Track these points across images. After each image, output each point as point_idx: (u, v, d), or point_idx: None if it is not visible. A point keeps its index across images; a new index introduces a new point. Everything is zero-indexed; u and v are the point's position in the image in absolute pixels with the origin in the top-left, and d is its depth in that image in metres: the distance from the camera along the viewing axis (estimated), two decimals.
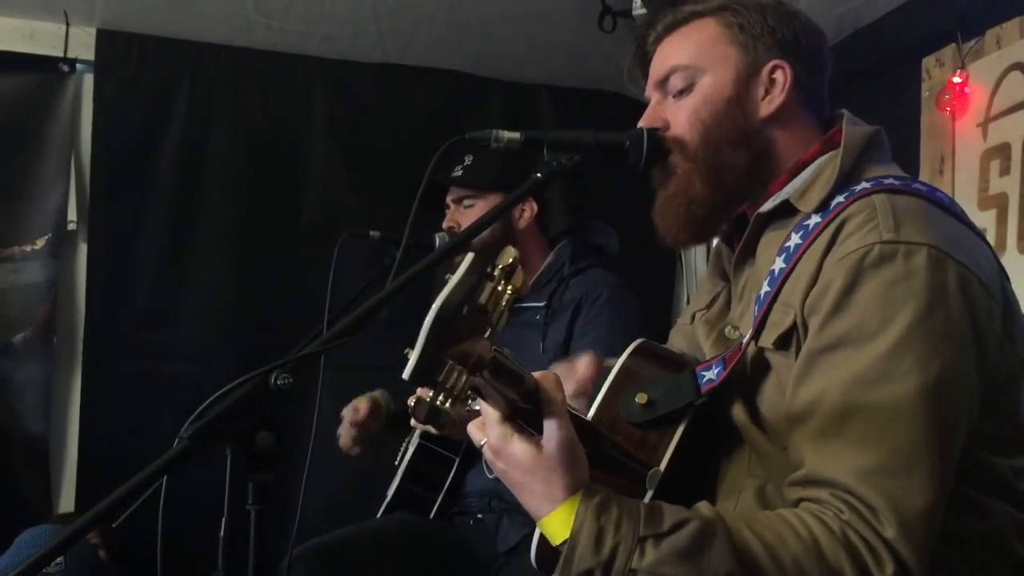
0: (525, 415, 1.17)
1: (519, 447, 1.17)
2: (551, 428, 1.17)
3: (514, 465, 1.18)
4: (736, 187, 1.42)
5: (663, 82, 1.47)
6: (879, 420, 1.15)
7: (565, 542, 1.15)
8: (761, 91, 1.42)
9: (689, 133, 1.43)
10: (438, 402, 0.98)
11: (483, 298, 1.00)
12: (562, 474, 1.17)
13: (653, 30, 1.52)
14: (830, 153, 1.37)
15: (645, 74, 1.52)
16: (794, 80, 1.41)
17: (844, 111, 1.44)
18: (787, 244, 1.31)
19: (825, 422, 1.18)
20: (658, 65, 1.49)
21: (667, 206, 1.45)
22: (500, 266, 1.01)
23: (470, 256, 1.01)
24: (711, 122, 1.41)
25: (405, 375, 0.97)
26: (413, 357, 0.96)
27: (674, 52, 1.47)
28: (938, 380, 1.16)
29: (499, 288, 1.01)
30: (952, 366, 1.17)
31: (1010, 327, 1.27)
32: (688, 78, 1.44)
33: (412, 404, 2.23)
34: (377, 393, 2.70)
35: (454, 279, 0.99)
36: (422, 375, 0.97)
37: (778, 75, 1.42)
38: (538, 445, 1.17)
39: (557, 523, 1.17)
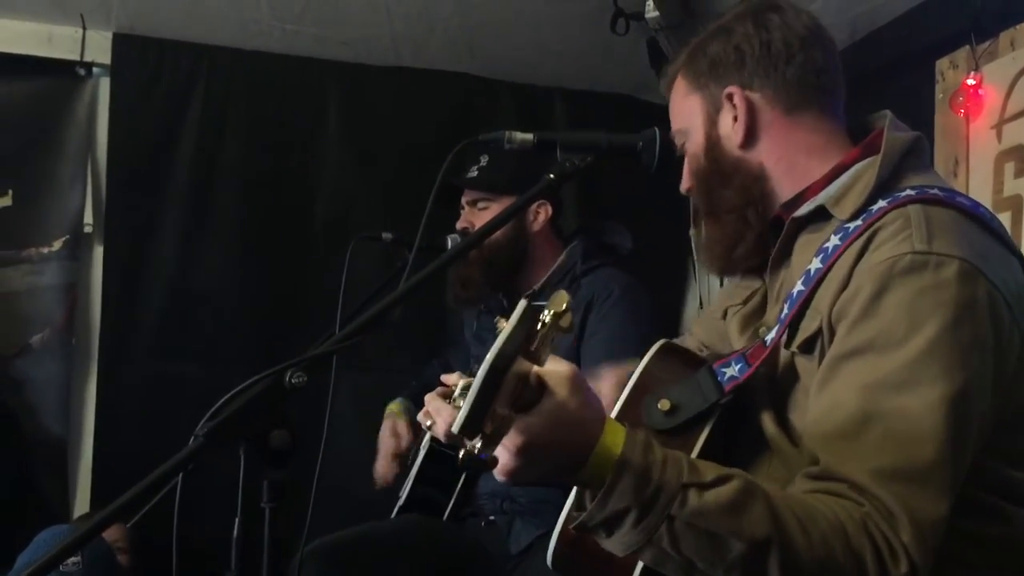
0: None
1: (545, 406, 1.07)
2: (556, 366, 1.09)
3: (546, 427, 1.07)
4: (738, 221, 1.46)
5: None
6: (900, 426, 1.15)
7: (606, 478, 1.09)
8: (730, 122, 1.46)
9: (692, 187, 1.53)
10: (476, 449, 0.96)
11: (534, 345, 0.99)
12: (592, 398, 1.11)
13: (663, 88, 1.61)
14: (869, 159, 1.37)
15: None
16: (751, 96, 1.44)
17: (888, 113, 1.43)
18: (826, 245, 1.31)
19: (845, 424, 1.18)
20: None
21: (698, 252, 1.60)
22: (553, 311, 0.99)
23: (523, 305, 0.98)
24: (701, 172, 1.50)
25: (454, 428, 0.95)
26: (464, 409, 0.94)
27: (671, 117, 1.57)
28: (960, 392, 1.16)
29: (549, 333, 1.00)
30: (974, 380, 1.17)
31: None
32: (681, 139, 1.53)
33: (421, 418, 2.23)
34: (398, 405, 2.70)
35: (507, 329, 0.96)
36: (472, 427, 0.95)
37: (735, 100, 1.45)
38: (552, 393, 1.08)
39: (603, 454, 1.10)
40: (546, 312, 0.99)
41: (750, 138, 1.45)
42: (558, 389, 1.08)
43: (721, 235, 1.48)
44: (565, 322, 1.00)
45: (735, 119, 1.45)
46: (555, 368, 1.09)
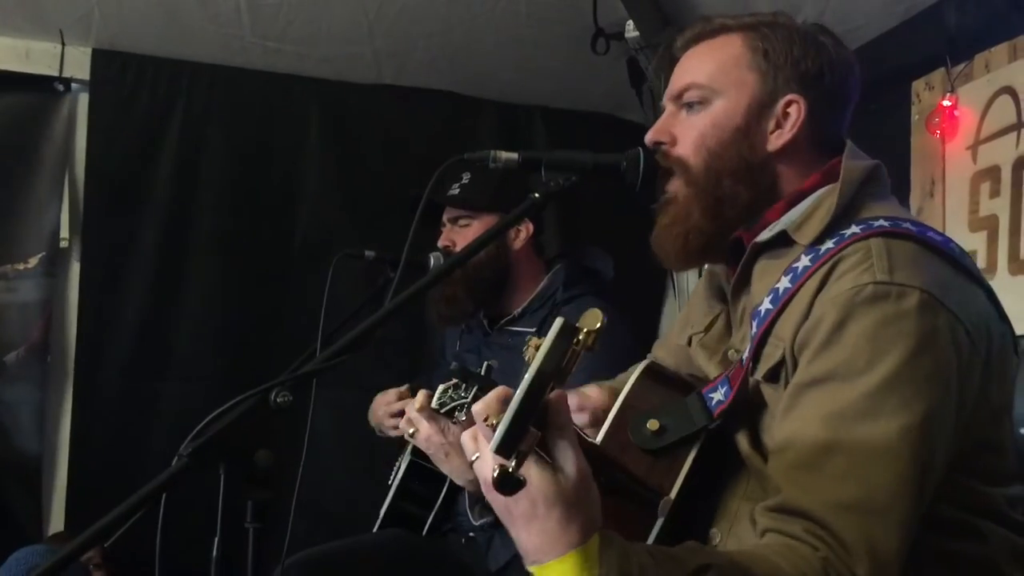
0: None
1: (536, 474, 1.01)
2: (568, 456, 1.04)
3: (527, 495, 1.02)
4: (736, 219, 1.42)
5: (679, 95, 1.46)
6: (860, 457, 1.16)
7: None
8: (772, 124, 1.41)
9: (694, 157, 1.42)
10: (510, 468, 0.95)
11: (567, 363, 0.99)
12: (581, 511, 1.03)
13: (682, 36, 1.50)
14: (829, 186, 1.37)
15: (668, 76, 1.51)
16: (808, 116, 1.40)
17: (847, 140, 1.43)
18: (795, 265, 1.31)
19: (805, 454, 1.19)
20: (678, 77, 1.47)
21: (665, 235, 1.45)
22: (586, 329, 0.99)
23: (560, 323, 0.98)
24: (717, 149, 1.41)
25: (492, 448, 0.94)
26: (502, 429, 0.93)
27: (694, 66, 1.45)
28: (921, 423, 1.17)
29: (580, 350, 0.99)
30: (934, 410, 1.18)
31: (989, 379, 1.27)
32: (702, 96, 1.43)
33: (403, 425, 2.21)
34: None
35: (545, 348, 0.96)
36: (510, 446, 0.94)
37: (792, 110, 1.40)
38: (555, 474, 1.02)
39: (569, 568, 1.03)
40: (581, 331, 0.99)
41: (784, 151, 1.41)
42: (567, 468, 1.03)
43: (711, 226, 1.41)
44: (592, 341, 0.99)
45: (777, 124, 1.41)
46: (574, 452, 1.05)
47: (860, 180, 1.36)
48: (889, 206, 1.37)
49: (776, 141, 1.41)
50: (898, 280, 1.21)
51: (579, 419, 1.57)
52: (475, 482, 1.10)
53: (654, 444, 1.30)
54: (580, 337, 0.98)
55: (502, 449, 0.94)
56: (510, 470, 0.95)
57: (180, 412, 3.23)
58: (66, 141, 3.33)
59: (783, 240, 1.36)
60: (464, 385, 2.07)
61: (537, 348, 0.98)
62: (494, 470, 0.95)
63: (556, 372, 0.97)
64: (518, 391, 0.94)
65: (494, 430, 0.96)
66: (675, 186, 1.44)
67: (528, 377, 0.94)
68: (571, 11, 3.23)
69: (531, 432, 0.96)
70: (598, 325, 0.99)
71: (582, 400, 1.59)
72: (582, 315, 1.00)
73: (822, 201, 1.36)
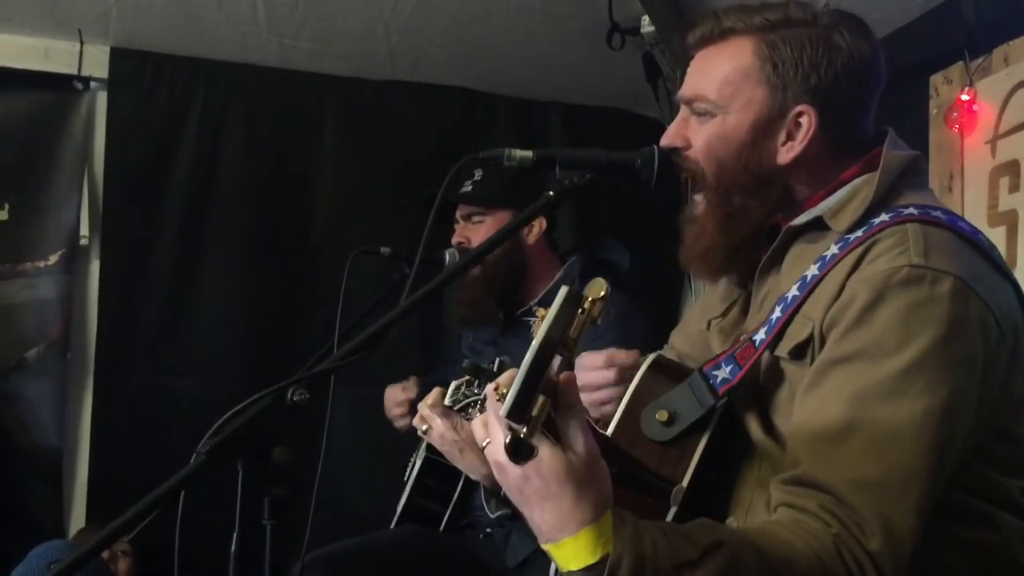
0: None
1: (547, 452, 1.03)
2: (578, 435, 1.05)
3: (538, 473, 1.03)
4: (751, 232, 1.42)
5: (689, 104, 1.44)
6: (882, 436, 1.17)
7: (590, 568, 1.04)
8: (783, 136, 1.38)
9: (706, 165, 1.41)
10: (522, 434, 0.96)
11: (573, 331, 1.01)
12: (593, 489, 1.05)
13: (692, 33, 1.46)
14: (867, 175, 1.37)
15: (684, 70, 1.49)
16: (820, 125, 1.37)
17: (889, 130, 1.42)
18: (825, 254, 1.31)
19: (828, 429, 1.19)
20: (689, 82, 1.45)
21: (690, 255, 1.46)
22: (590, 298, 1.01)
23: (564, 290, 1.00)
24: (726, 162, 1.39)
25: (503, 412, 0.96)
26: (512, 393, 0.95)
27: (704, 75, 1.42)
28: (945, 407, 1.17)
29: (586, 320, 1.01)
30: (958, 396, 1.19)
31: (1013, 371, 1.27)
32: (710, 110, 1.41)
33: (416, 422, 2.23)
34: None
35: (551, 314, 0.98)
36: (520, 411, 0.95)
37: (803, 120, 1.37)
38: (565, 453, 1.04)
39: (583, 546, 1.04)
40: (586, 299, 1.01)
41: (795, 163, 1.39)
42: (577, 447, 1.05)
43: (726, 240, 1.42)
44: (597, 310, 1.02)
45: (788, 136, 1.38)
46: (583, 431, 1.07)
47: (899, 170, 1.36)
48: (925, 196, 1.37)
49: (787, 154, 1.38)
50: (933, 265, 1.22)
51: (607, 375, 1.56)
52: (490, 476, 1.11)
53: (666, 435, 1.31)
54: (585, 305, 1.01)
55: (514, 412, 0.95)
56: (522, 436, 0.96)
57: (199, 408, 3.25)
58: (85, 139, 3.36)
59: (818, 226, 1.37)
60: (477, 382, 2.08)
61: (544, 318, 1.01)
62: (506, 436, 0.97)
63: (563, 339, 0.99)
64: (527, 356, 0.96)
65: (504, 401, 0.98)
66: (698, 202, 1.44)
67: (536, 342, 0.96)
68: (586, 6, 3.23)
69: (542, 399, 0.97)
70: (602, 293, 1.02)
71: (610, 357, 1.57)
72: (587, 285, 1.02)
73: (859, 189, 1.36)
